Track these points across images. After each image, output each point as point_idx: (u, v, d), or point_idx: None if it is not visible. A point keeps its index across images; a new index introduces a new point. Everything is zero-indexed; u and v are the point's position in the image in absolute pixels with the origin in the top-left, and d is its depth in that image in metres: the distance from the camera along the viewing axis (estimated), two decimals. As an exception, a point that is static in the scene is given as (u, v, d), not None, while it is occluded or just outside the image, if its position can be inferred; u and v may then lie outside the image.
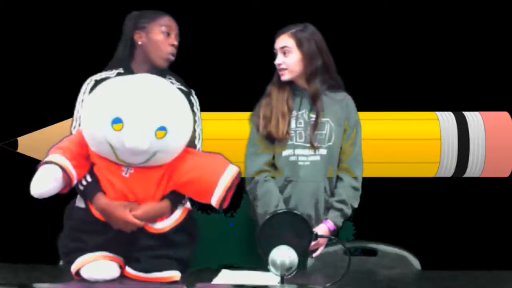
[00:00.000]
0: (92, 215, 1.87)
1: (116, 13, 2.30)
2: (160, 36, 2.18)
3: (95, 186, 1.86)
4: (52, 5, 2.92)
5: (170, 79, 2.19)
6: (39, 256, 2.08)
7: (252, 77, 2.60)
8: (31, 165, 1.91)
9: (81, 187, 1.87)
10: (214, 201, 1.85)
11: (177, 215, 1.91)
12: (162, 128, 1.75)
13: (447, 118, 2.91)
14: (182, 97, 1.89)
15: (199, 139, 2.20)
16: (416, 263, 2.10)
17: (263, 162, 2.26)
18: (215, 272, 1.87)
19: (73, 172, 1.82)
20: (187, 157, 1.90)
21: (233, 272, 1.89)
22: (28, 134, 2.69)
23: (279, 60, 2.26)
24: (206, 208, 3.00)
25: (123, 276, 1.86)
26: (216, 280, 1.80)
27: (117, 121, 1.73)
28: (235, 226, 2.97)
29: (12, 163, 2.69)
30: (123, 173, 1.84)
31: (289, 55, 2.24)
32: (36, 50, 2.95)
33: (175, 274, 1.84)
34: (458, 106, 2.96)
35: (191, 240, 1.94)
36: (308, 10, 2.85)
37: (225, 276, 1.85)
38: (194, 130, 2.14)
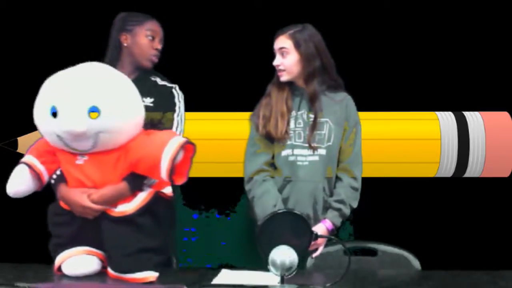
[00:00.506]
0: (60, 207, 1.93)
1: (116, 13, 2.31)
2: (145, 40, 2.27)
3: (60, 178, 1.92)
4: (52, 6, 2.92)
5: (155, 78, 2.29)
6: (39, 256, 2.07)
7: (252, 77, 2.60)
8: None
9: (53, 181, 1.95)
10: (163, 174, 1.84)
11: (141, 198, 1.89)
12: (94, 108, 1.80)
13: (447, 118, 2.91)
14: (121, 79, 1.93)
15: (177, 128, 2.24)
16: (416, 263, 2.10)
17: (262, 161, 2.26)
18: (215, 272, 1.87)
19: (40, 168, 1.92)
20: (139, 137, 1.92)
21: (233, 272, 1.89)
22: (28, 134, 2.69)
23: (278, 61, 2.26)
24: (206, 207, 3.02)
25: (106, 275, 1.87)
26: (216, 280, 1.80)
27: (53, 109, 1.81)
28: (233, 227, 2.97)
29: (12, 163, 2.68)
30: (77, 161, 1.89)
31: (287, 56, 2.25)
32: (35, 50, 2.95)
33: (151, 275, 1.83)
34: (458, 106, 2.96)
35: (161, 225, 1.91)
36: (308, 10, 2.86)
37: (225, 276, 1.85)
38: (172, 119, 2.23)
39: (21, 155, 2.64)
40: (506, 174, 2.92)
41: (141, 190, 1.91)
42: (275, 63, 2.27)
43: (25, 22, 2.97)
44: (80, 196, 1.87)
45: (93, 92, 1.82)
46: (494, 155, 2.86)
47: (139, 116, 1.94)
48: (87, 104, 1.80)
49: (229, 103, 2.86)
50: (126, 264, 1.83)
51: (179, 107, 2.28)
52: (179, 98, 2.29)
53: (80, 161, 1.88)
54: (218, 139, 2.81)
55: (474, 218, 2.97)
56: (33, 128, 2.64)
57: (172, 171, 1.83)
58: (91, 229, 1.88)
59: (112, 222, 1.86)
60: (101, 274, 1.89)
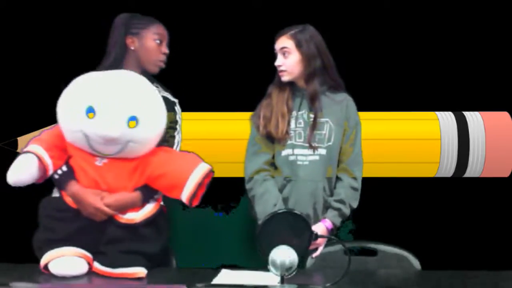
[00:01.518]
0: (64, 203, 1.91)
1: (115, 13, 2.31)
2: (153, 43, 2.24)
3: (69, 175, 1.92)
4: (51, 6, 2.92)
5: (156, 86, 2.20)
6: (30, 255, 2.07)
7: (252, 78, 2.61)
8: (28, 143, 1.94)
9: (57, 176, 1.93)
10: (185, 196, 1.91)
11: (149, 209, 1.93)
12: (133, 118, 1.83)
13: (447, 118, 2.91)
14: (155, 92, 1.95)
15: (177, 146, 2.25)
16: (416, 263, 2.10)
17: (262, 161, 2.27)
18: (215, 272, 1.87)
19: (48, 161, 1.91)
20: (161, 153, 1.97)
21: (233, 272, 1.89)
22: (28, 134, 2.69)
23: (279, 61, 2.27)
24: (206, 207, 3.02)
25: (91, 273, 1.87)
26: (216, 280, 1.80)
27: (90, 110, 1.82)
28: (234, 227, 2.97)
29: (12, 163, 2.68)
30: (97, 162, 1.90)
31: (288, 56, 2.25)
32: (35, 51, 2.95)
33: (141, 271, 1.85)
34: (458, 106, 2.96)
35: (160, 236, 1.95)
36: (308, 10, 2.86)
37: (225, 276, 1.85)
38: (174, 137, 2.23)
39: (21, 155, 2.66)
40: (506, 174, 2.92)
41: (148, 202, 1.95)
42: (276, 63, 2.27)
43: (24, 22, 2.97)
44: (94, 198, 1.87)
45: (135, 102, 1.86)
46: (494, 155, 2.86)
47: (163, 129, 1.98)
48: (128, 112, 1.83)
49: (229, 103, 2.86)
50: (118, 259, 1.85)
51: (180, 125, 2.29)
52: (179, 115, 2.30)
53: (99, 163, 1.90)
54: (218, 139, 2.82)
55: (474, 218, 2.97)
56: (33, 128, 2.66)
57: (194, 195, 1.89)
58: (89, 231, 1.89)
59: (117, 227, 1.88)
60: (87, 273, 1.88)
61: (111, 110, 1.83)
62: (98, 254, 1.89)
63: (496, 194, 2.97)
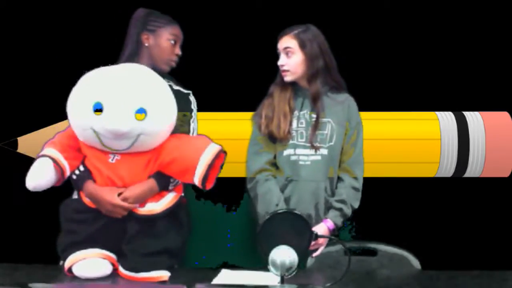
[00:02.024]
0: (83, 204, 1.91)
1: (115, 13, 2.31)
2: (167, 43, 2.26)
3: (85, 175, 1.91)
4: (52, 5, 2.92)
5: (169, 81, 2.21)
6: (38, 256, 2.08)
7: (254, 77, 2.60)
8: (31, 165, 1.93)
9: (74, 177, 1.93)
10: (197, 179, 1.88)
11: (169, 199, 1.92)
12: (141, 110, 1.81)
13: (447, 118, 2.91)
14: (163, 83, 1.93)
15: (193, 133, 2.25)
16: (416, 263, 2.10)
17: (264, 161, 2.27)
18: (215, 272, 1.87)
19: (64, 163, 1.90)
20: (171, 139, 1.94)
21: (233, 272, 1.89)
22: (28, 134, 2.69)
23: (282, 61, 2.27)
24: (207, 207, 3.02)
25: (116, 275, 1.87)
26: (216, 280, 1.80)
27: (97, 106, 1.80)
28: (235, 227, 2.96)
29: (12, 163, 2.68)
30: (110, 160, 1.89)
31: (291, 56, 2.25)
32: (36, 50, 2.95)
33: (163, 274, 1.84)
34: (458, 106, 2.96)
35: (182, 229, 1.94)
36: (310, 10, 2.85)
37: (225, 276, 1.85)
38: (189, 124, 2.24)
39: (21, 155, 2.66)
40: (506, 174, 2.91)
41: (167, 190, 1.93)
42: (279, 63, 2.28)
43: (24, 22, 2.97)
44: (110, 195, 1.86)
45: (142, 94, 1.83)
46: (494, 155, 2.86)
47: (175, 120, 1.96)
48: (135, 105, 1.80)
49: (231, 103, 2.86)
50: (141, 263, 1.84)
51: (195, 113, 2.29)
52: (194, 105, 2.30)
53: (112, 160, 1.89)
54: (219, 139, 2.81)
55: (474, 218, 2.97)
56: (33, 128, 2.66)
57: (206, 177, 1.87)
58: (111, 230, 1.88)
59: (138, 222, 1.87)
60: (111, 275, 1.88)
61: (118, 104, 1.80)
62: (121, 256, 1.88)
63: (496, 194, 2.96)
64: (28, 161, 1.99)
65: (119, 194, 1.87)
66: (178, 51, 2.29)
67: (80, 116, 1.85)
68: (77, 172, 1.93)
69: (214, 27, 2.99)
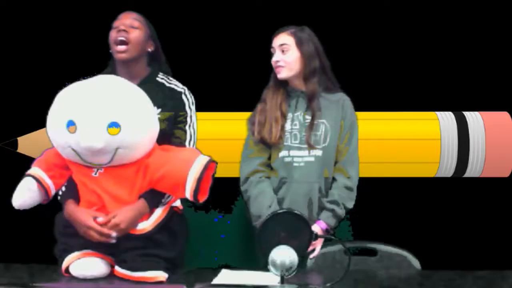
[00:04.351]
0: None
1: (115, 13, 2.30)
2: (112, 34, 2.13)
3: (67, 194, 1.90)
4: (52, 6, 2.92)
5: (163, 77, 2.19)
6: (39, 256, 2.07)
7: (251, 77, 2.60)
8: (31, 165, 1.93)
9: (58, 197, 1.92)
10: (188, 194, 1.85)
11: (157, 215, 1.90)
12: (114, 124, 1.77)
13: (447, 118, 2.91)
14: (138, 93, 1.89)
15: (190, 140, 2.14)
16: (416, 263, 2.10)
17: (257, 162, 2.27)
18: (215, 272, 1.87)
19: (48, 182, 1.90)
20: (159, 153, 1.92)
21: (233, 272, 1.89)
22: (28, 134, 2.69)
23: (277, 57, 2.26)
24: (205, 207, 3.02)
25: (113, 275, 1.86)
26: (216, 280, 1.80)
27: (70, 123, 1.77)
28: (233, 228, 2.96)
29: (12, 163, 2.69)
30: (93, 174, 1.87)
31: (287, 53, 2.25)
32: (36, 51, 2.95)
33: (160, 275, 1.83)
34: (458, 106, 2.96)
35: (177, 239, 1.93)
36: (307, 9, 2.86)
37: (225, 276, 1.85)
38: (185, 131, 2.13)
39: (21, 155, 2.66)
40: (506, 174, 2.91)
41: (156, 206, 1.91)
42: (274, 59, 2.27)
43: (25, 22, 2.97)
44: (85, 216, 1.83)
45: (113, 107, 1.79)
46: (494, 155, 2.86)
47: (155, 130, 1.93)
48: (107, 119, 1.77)
49: (229, 103, 2.86)
50: (138, 262, 1.83)
51: (191, 116, 2.15)
52: (189, 105, 2.15)
53: (95, 174, 1.86)
54: (218, 139, 2.81)
55: (474, 218, 2.97)
56: (33, 128, 2.66)
57: (197, 190, 1.84)
58: (103, 245, 1.85)
59: (130, 241, 1.85)
60: (109, 275, 1.88)
61: (89, 120, 1.77)
62: (117, 258, 1.87)
63: (496, 194, 2.97)
64: (28, 161, 2.00)
65: (114, 217, 1.83)
66: (118, 27, 2.10)
67: (57, 135, 1.83)
68: (60, 192, 1.92)
69: (211, 26, 2.99)
